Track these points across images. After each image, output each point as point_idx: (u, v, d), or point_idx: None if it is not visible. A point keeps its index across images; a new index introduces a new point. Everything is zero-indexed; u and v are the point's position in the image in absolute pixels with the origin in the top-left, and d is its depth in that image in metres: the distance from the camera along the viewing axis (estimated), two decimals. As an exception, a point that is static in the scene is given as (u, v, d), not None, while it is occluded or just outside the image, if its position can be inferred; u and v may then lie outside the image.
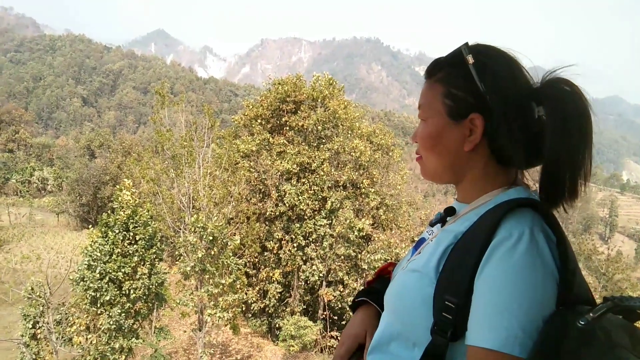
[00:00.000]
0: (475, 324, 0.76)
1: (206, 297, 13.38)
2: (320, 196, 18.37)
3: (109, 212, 13.69)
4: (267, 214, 18.50)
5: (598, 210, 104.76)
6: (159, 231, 14.81)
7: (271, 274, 18.20)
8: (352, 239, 17.85)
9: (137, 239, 13.19)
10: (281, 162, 18.28)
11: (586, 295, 0.80)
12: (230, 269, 13.92)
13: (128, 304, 12.58)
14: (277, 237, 18.38)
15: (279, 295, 18.49)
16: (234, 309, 13.70)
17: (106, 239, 12.78)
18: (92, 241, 12.77)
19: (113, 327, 12.19)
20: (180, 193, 15.31)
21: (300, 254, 18.27)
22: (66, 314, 12.39)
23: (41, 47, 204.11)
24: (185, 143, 15.37)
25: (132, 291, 12.61)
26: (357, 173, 19.09)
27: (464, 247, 0.82)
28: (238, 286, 14.34)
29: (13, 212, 39.37)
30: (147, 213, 13.69)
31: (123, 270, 12.52)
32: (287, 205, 18.23)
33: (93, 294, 12.18)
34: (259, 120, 19.85)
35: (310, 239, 18.36)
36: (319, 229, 17.97)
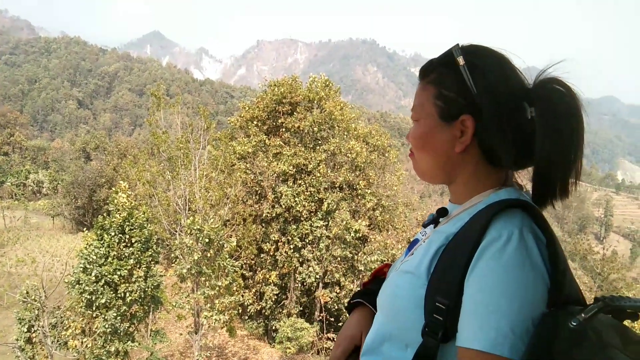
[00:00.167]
0: (465, 325, 0.76)
1: (202, 299, 13.35)
2: (316, 197, 18.37)
3: (104, 214, 13.64)
4: (264, 215, 18.48)
5: (593, 210, 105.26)
6: (155, 234, 14.78)
7: (267, 276, 18.18)
8: (348, 240, 17.85)
9: (133, 241, 13.16)
10: (277, 164, 18.27)
11: (577, 295, 0.81)
12: (226, 271, 13.89)
13: (124, 307, 12.54)
14: (273, 238, 18.36)
15: (276, 297, 18.47)
16: (230, 311, 13.67)
17: (102, 242, 12.74)
18: (87, 244, 12.72)
19: (109, 330, 12.14)
20: (176, 195, 15.27)
21: (297, 255, 18.25)
22: (61, 317, 12.33)
23: (36, 50, 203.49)
24: (181, 145, 15.33)
25: (127, 294, 12.57)
26: (353, 174, 19.11)
27: (454, 248, 0.82)
28: (234, 288, 14.32)
29: (8, 215, 39.18)
30: (143, 215, 13.65)
31: (119, 273, 12.48)
32: (283, 206, 18.22)
33: (88, 297, 12.13)
34: (255, 122, 19.84)
35: (307, 241, 18.35)
36: (315, 231, 17.97)
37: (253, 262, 18.81)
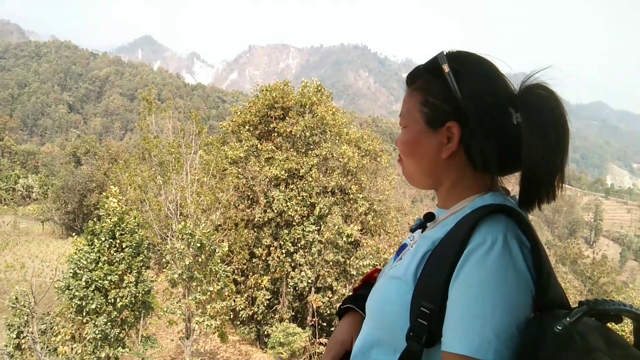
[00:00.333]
0: (450, 330, 0.76)
1: (194, 304, 13.28)
2: (308, 202, 18.37)
3: (95, 219, 13.55)
4: (256, 220, 18.44)
5: (583, 215, 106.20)
6: (146, 238, 14.69)
7: (260, 281, 18.12)
8: (340, 244, 17.85)
9: (123, 246, 13.07)
10: (269, 168, 18.26)
11: (561, 299, 0.81)
12: (218, 276, 13.83)
13: (114, 313, 12.44)
14: (265, 243, 18.32)
15: (268, 302, 18.41)
16: (222, 317, 13.61)
17: (92, 247, 12.64)
18: (77, 249, 12.62)
19: (99, 336, 12.03)
20: (167, 200, 15.20)
21: (289, 260, 18.22)
22: (51, 323, 12.19)
23: (26, 54, 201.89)
24: (173, 149, 15.28)
25: (118, 299, 12.47)
26: (345, 179, 19.13)
27: (440, 254, 0.83)
28: (226, 293, 14.26)
29: (-3, 220, 38.73)
30: (133, 220, 13.57)
31: (109, 278, 12.39)
32: (275, 211, 18.20)
33: (78, 302, 12.02)
34: (247, 127, 19.83)
35: (299, 245, 18.33)
36: (307, 235, 17.95)
37: (245, 267, 18.75)
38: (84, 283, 12.08)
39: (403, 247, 1.02)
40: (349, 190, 19.03)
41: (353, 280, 18.10)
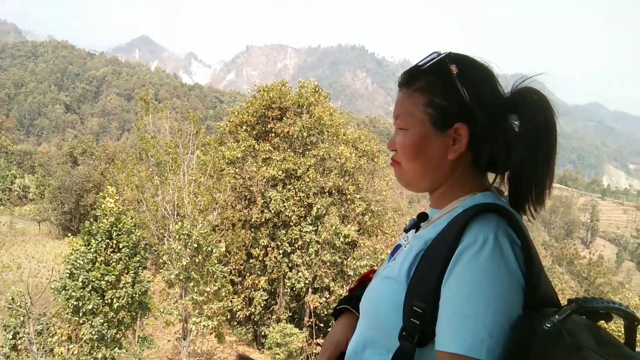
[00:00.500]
0: (443, 329, 0.77)
1: (191, 305, 13.27)
2: (305, 202, 18.36)
3: (91, 220, 13.53)
4: (253, 220, 18.43)
5: (580, 215, 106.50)
6: (143, 239, 14.68)
7: (257, 282, 18.10)
8: (337, 245, 17.85)
9: (120, 247, 13.06)
10: (267, 169, 18.24)
11: (552, 297, 0.82)
12: (215, 277, 13.83)
13: (111, 313, 12.42)
14: (262, 244, 18.30)
15: (265, 302, 18.39)
16: (219, 317, 13.60)
17: (89, 247, 12.63)
18: (73, 249, 12.59)
19: (95, 337, 12.02)
20: (164, 200, 15.19)
21: (286, 260, 18.21)
22: (47, 324, 12.17)
23: (23, 54, 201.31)
24: (170, 150, 15.27)
25: (115, 300, 12.46)
26: (342, 179, 19.13)
27: (432, 253, 0.83)
28: (223, 294, 14.26)
29: (-7, 220, 38.59)
30: (130, 221, 13.56)
31: (106, 278, 12.37)
32: (272, 211, 18.18)
33: (75, 303, 12.00)
34: (244, 127, 19.81)
35: (296, 246, 18.32)
36: (304, 236, 17.94)
37: (242, 267, 18.73)
38: (80, 283, 12.07)
39: (397, 247, 1.02)
40: (346, 191, 19.02)
41: (350, 281, 18.09)
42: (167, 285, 13.78)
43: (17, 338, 11.65)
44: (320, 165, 19.41)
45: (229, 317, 16.33)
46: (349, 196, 19.03)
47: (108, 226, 12.89)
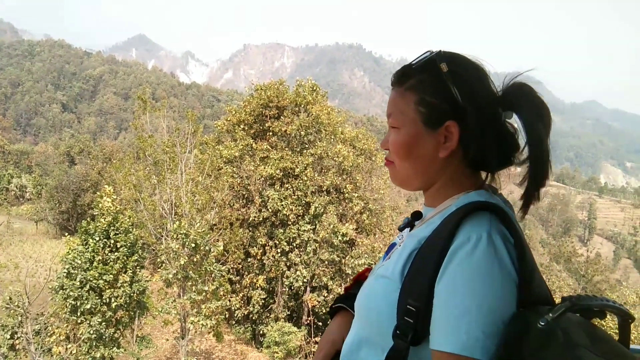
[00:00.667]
0: (437, 328, 0.77)
1: (189, 304, 13.25)
2: (303, 201, 18.36)
3: (89, 219, 13.50)
4: (251, 219, 18.42)
5: (577, 213, 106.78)
6: (141, 238, 14.65)
7: (255, 280, 18.10)
8: (335, 243, 17.86)
9: (118, 246, 13.04)
10: (264, 168, 18.23)
11: (545, 295, 0.82)
12: (213, 276, 13.82)
13: (109, 313, 12.41)
14: (260, 242, 18.30)
15: (263, 301, 18.39)
16: (217, 316, 13.59)
17: (86, 247, 12.60)
18: (70, 249, 12.57)
19: (93, 336, 12.00)
20: (162, 199, 15.16)
21: (284, 259, 18.22)
22: (45, 323, 12.15)
23: (19, 53, 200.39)
24: (168, 149, 15.24)
25: (113, 299, 12.44)
26: (340, 178, 19.14)
27: (426, 252, 0.83)
28: (221, 293, 14.24)
29: (-10, 220, 38.48)
30: (128, 220, 13.54)
31: (104, 278, 12.35)
32: (270, 210, 18.18)
33: (73, 302, 11.98)
34: (241, 126, 19.79)
35: (294, 245, 18.32)
36: (302, 234, 17.95)
37: (240, 266, 18.73)
38: (78, 283, 12.04)
39: (392, 246, 1.03)
40: (344, 190, 19.03)
41: (348, 279, 18.11)
42: (165, 284, 13.77)
43: (15, 338, 11.61)
44: (318, 164, 19.41)
45: (227, 316, 16.32)
46: (346, 195, 19.04)
47: (105, 225, 12.87)
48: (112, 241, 12.99)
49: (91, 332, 11.92)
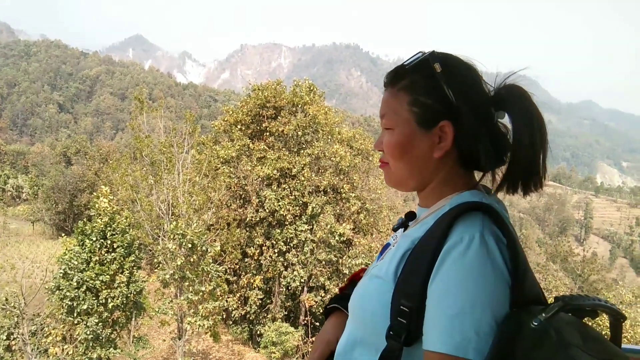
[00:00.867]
0: (430, 328, 0.77)
1: (186, 304, 13.24)
2: (300, 201, 18.36)
3: (85, 219, 13.47)
4: (248, 219, 18.41)
5: (573, 213, 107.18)
6: (138, 239, 14.63)
7: (252, 281, 18.09)
8: (333, 244, 17.87)
9: (115, 246, 13.01)
10: (261, 168, 18.23)
11: (538, 295, 0.82)
12: (210, 276, 13.80)
13: (106, 313, 12.38)
14: (257, 243, 18.29)
15: (260, 301, 18.39)
16: (214, 317, 13.58)
17: (83, 247, 12.57)
18: (66, 249, 12.54)
19: (90, 337, 11.97)
20: (159, 200, 15.14)
21: (281, 259, 18.21)
22: (42, 324, 12.12)
23: (16, 53, 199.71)
24: (165, 149, 15.22)
25: (109, 300, 12.41)
26: (337, 178, 19.14)
27: (419, 252, 0.83)
28: (218, 293, 14.23)
29: (-14, 221, 38.33)
30: (125, 220, 13.51)
31: (100, 278, 12.33)
32: (267, 210, 18.18)
33: (69, 303, 11.95)
34: (238, 126, 19.77)
35: (291, 245, 18.32)
36: (299, 235, 17.95)
37: (237, 266, 18.72)
38: (75, 283, 12.02)
39: (386, 246, 1.02)
40: (341, 190, 19.04)
41: (345, 279, 18.10)
42: (162, 284, 13.74)
43: (11, 339, 11.58)
44: (315, 164, 19.41)
45: (224, 316, 16.34)
46: (344, 195, 19.05)
47: (102, 226, 12.84)
48: (109, 242, 12.96)
49: (88, 332, 11.89)
